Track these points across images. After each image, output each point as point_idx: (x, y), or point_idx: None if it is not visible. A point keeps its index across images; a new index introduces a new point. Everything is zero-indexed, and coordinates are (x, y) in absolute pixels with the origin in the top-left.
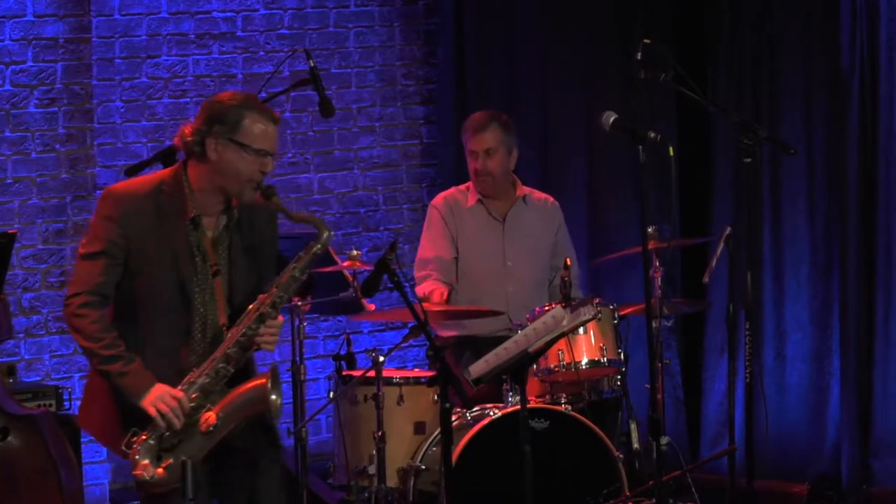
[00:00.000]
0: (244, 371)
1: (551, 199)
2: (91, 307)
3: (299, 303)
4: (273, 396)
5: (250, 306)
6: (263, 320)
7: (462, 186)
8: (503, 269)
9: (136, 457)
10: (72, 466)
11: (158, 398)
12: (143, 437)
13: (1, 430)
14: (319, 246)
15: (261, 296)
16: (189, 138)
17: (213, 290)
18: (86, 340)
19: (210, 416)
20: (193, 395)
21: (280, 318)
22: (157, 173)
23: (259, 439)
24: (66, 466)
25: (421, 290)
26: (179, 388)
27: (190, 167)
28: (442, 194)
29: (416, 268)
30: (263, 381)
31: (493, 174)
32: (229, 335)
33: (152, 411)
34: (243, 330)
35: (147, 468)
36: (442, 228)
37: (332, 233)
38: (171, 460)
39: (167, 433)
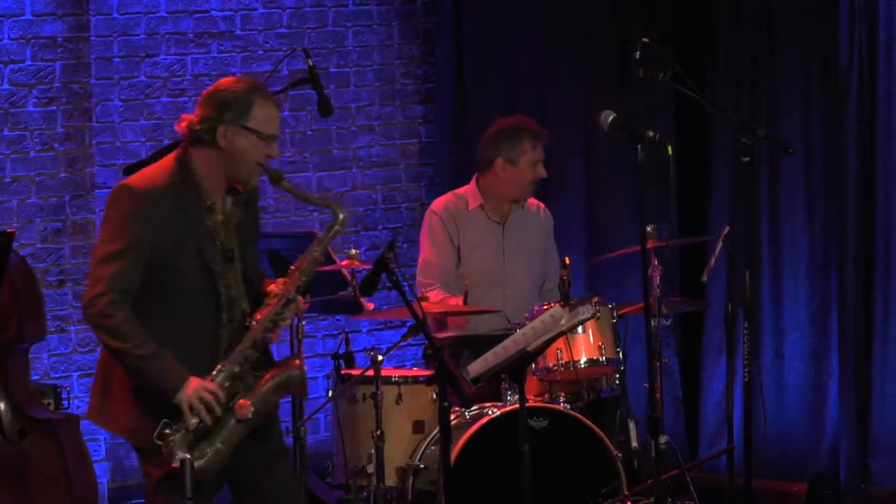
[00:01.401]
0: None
1: (543, 205)
2: (118, 306)
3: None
4: (304, 379)
5: (274, 290)
6: (289, 305)
7: (459, 191)
8: (503, 272)
9: (171, 448)
10: (86, 474)
11: (194, 392)
12: (175, 427)
13: (19, 432)
14: (338, 226)
15: (283, 280)
16: (198, 126)
17: (233, 274)
18: (116, 341)
19: (246, 404)
20: (226, 385)
21: (300, 299)
22: (163, 164)
23: (266, 439)
24: (79, 474)
25: (433, 296)
26: (211, 377)
27: (195, 154)
28: (440, 201)
29: (421, 272)
30: (297, 362)
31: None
32: (256, 323)
33: (185, 408)
34: (270, 316)
35: (182, 457)
36: (443, 234)
37: (347, 213)
38: (206, 449)
39: (200, 425)
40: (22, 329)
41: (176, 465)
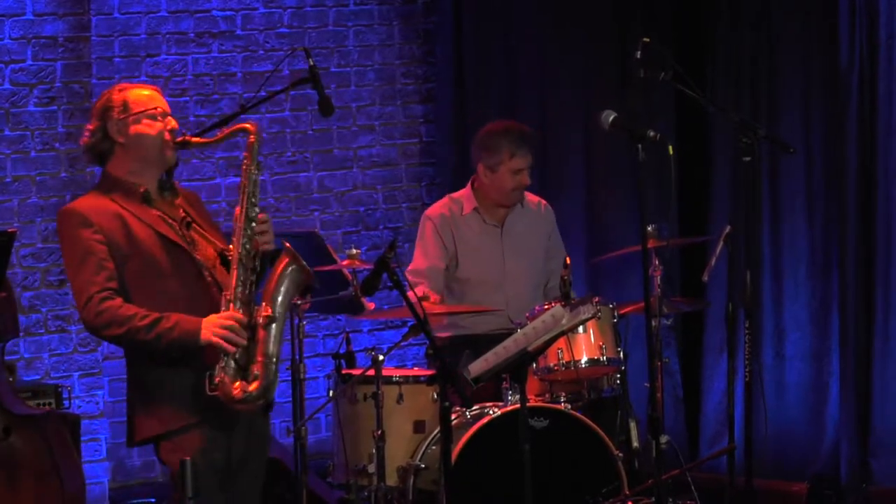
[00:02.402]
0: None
1: (544, 202)
2: (108, 300)
3: (299, 302)
4: (304, 264)
5: (234, 218)
6: (253, 219)
7: (455, 195)
8: (502, 274)
9: (227, 386)
10: (74, 469)
11: (215, 327)
12: (220, 370)
13: (3, 430)
14: (254, 138)
15: (237, 208)
16: (92, 140)
17: (194, 238)
18: (122, 326)
19: (264, 310)
20: (238, 308)
21: (263, 215)
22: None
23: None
24: (67, 469)
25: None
26: (222, 310)
27: (110, 166)
28: (436, 206)
29: (410, 276)
30: (285, 258)
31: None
32: (233, 249)
33: (217, 340)
34: (242, 237)
35: (242, 386)
36: (435, 239)
37: (255, 125)
38: (255, 369)
39: (238, 352)
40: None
41: (237, 393)
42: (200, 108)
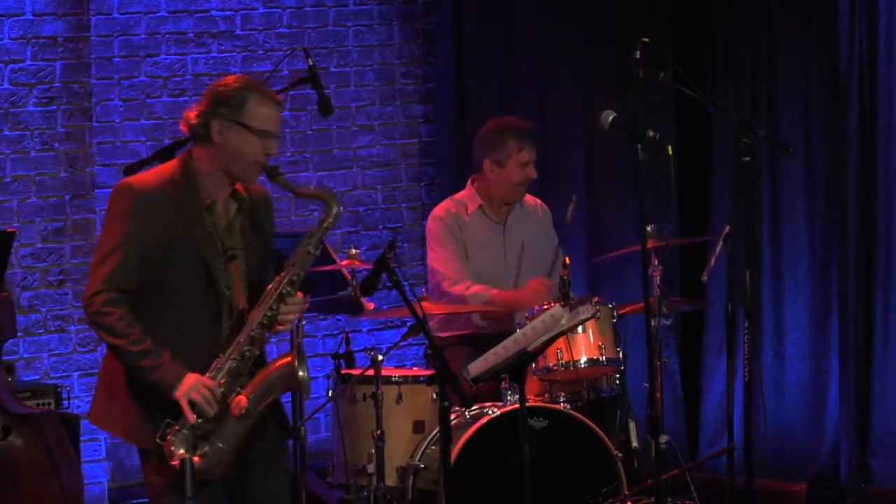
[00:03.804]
0: (258, 355)
1: (540, 202)
2: (115, 304)
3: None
4: (301, 373)
5: (269, 287)
6: (284, 299)
7: (456, 197)
8: (505, 271)
9: (171, 448)
10: (73, 467)
11: (191, 388)
12: (177, 427)
13: (2, 429)
14: (330, 219)
15: (277, 276)
16: (193, 121)
17: (231, 274)
18: (114, 338)
19: (241, 400)
20: (222, 381)
21: (300, 294)
22: (167, 164)
23: (266, 439)
24: (67, 467)
25: (475, 290)
26: (208, 374)
27: (196, 152)
28: (441, 206)
29: (448, 275)
30: (290, 358)
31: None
32: (251, 318)
33: (184, 402)
34: (265, 311)
35: (183, 458)
36: (451, 238)
37: (341, 206)
38: (206, 448)
39: (200, 421)
40: None
41: (175, 462)
42: None
